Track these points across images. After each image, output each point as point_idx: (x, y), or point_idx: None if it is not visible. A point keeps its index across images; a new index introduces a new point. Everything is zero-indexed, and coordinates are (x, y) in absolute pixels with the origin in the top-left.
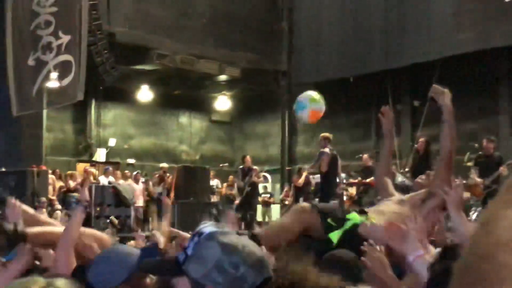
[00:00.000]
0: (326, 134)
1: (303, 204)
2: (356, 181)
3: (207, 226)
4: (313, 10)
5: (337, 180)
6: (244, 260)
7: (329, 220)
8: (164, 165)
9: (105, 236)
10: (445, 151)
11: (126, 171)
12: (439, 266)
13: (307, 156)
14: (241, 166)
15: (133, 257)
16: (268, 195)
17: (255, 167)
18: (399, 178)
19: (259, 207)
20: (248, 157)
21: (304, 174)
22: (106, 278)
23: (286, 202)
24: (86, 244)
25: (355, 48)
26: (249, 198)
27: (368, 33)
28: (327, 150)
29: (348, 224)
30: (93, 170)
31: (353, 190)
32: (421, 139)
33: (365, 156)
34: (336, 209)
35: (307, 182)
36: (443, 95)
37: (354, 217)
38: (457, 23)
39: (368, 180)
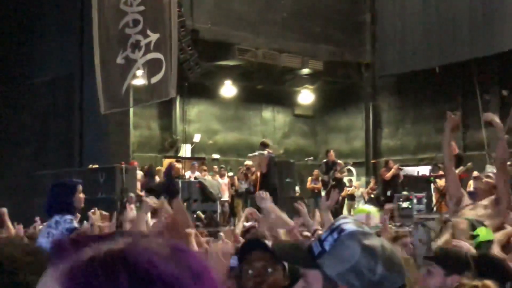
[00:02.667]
0: (263, 140)
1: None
2: (443, 173)
3: (348, 223)
4: (396, 0)
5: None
6: (383, 264)
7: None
8: (249, 162)
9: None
10: (499, 159)
11: (215, 167)
12: None
13: (393, 148)
14: (324, 160)
15: None
16: (353, 188)
17: (339, 161)
18: (489, 169)
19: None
20: (331, 151)
21: (394, 167)
22: None
23: (372, 196)
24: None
25: (440, 37)
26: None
27: (453, 21)
28: (265, 153)
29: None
30: (178, 165)
31: (441, 182)
32: None
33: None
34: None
35: (396, 175)
36: (495, 119)
37: (482, 233)
38: None
39: (457, 170)
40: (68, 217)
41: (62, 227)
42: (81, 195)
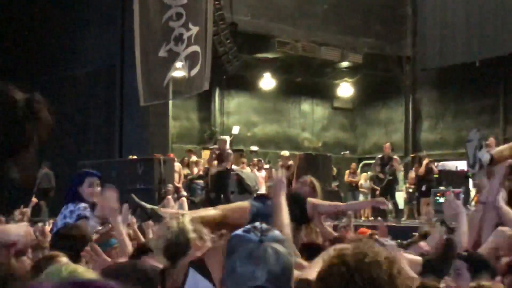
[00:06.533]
0: None
1: None
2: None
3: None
4: None
5: None
6: (267, 273)
7: None
8: (285, 153)
9: None
10: None
11: (255, 159)
12: None
13: (432, 142)
14: (380, 155)
15: None
16: None
17: (395, 156)
18: None
19: None
20: (387, 144)
21: (425, 162)
22: None
23: (410, 190)
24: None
25: (481, 31)
26: (391, 187)
27: (494, 15)
28: None
29: None
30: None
31: None
32: None
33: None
34: None
35: (430, 170)
36: None
37: None
38: None
39: None
40: (82, 205)
41: (76, 214)
42: (90, 189)
